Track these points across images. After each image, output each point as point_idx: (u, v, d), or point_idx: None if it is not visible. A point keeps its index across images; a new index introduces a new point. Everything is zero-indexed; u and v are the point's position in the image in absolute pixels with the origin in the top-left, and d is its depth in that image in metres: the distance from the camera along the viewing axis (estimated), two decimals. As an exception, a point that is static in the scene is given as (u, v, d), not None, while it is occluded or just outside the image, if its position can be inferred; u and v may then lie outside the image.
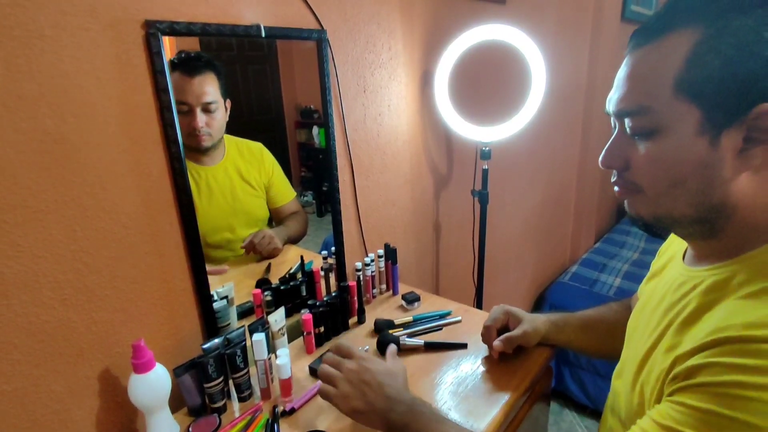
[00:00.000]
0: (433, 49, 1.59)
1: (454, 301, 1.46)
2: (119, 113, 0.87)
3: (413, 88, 1.55)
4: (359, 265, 1.36)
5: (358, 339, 1.27)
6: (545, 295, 2.81)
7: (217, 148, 1.17)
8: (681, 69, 0.55)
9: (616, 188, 0.68)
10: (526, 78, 1.48)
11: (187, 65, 1.02)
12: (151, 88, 0.91)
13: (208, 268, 1.12)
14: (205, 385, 0.99)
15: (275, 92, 1.27)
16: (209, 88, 1.07)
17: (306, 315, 1.19)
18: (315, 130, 1.38)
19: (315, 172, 1.45)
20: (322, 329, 1.25)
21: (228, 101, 1.14)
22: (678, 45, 0.55)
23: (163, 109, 0.92)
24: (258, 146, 1.27)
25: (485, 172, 1.61)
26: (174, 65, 0.98)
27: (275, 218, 1.41)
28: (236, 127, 1.18)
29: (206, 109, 1.07)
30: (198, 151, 1.12)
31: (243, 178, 1.24)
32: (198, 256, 1.04)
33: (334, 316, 1.28)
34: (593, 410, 2.48)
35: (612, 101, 0.64)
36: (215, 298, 1.18)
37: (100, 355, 0.92)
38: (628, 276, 2.89)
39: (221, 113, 1.12)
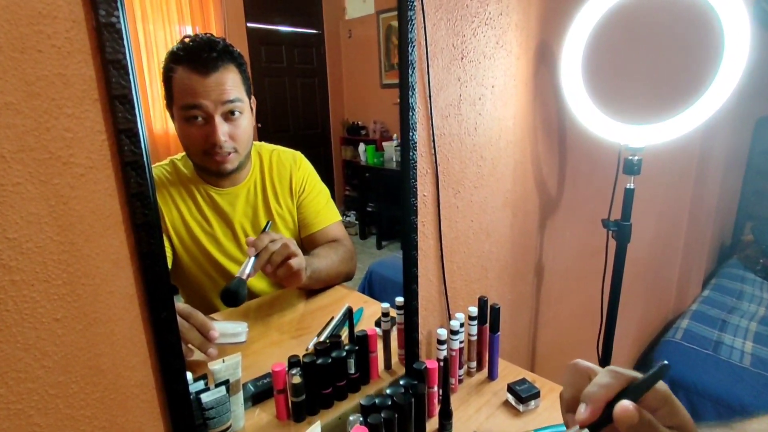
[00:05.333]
0: (557, 10, 1.08)
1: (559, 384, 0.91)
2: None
3: (526, 63, 1.04)
4: (443, 333, 0.84)
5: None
6: (652, 358, 2.18)
7: (243, 168, 0.89)
8: None
9: None
10: (710, 49, 0.94)
11: (197, 59, 0.76)
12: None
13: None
14: None
15: (323, 107, 1.21)
16: (231, 84, 0.80)
17: (359, 429, 0.68)
18: (361, 147, 1.30)
19: (360, 191, 1.36)
20: (381, 449, 0.73)
21: (253, 100, 0.87)
22: None
23: (102, 27, 0.45)
24: (291, 155, 1.00)
25: (629, 194, 1.07)
26: (178, 58, 0.76)
27: (308, 250, 1.00)
28: (280, 142, 1.02)
29: (229, 113, 0.79)
30: (218, 175, 0.86)
31: (267, 203, 0.95)
32: (168, 321, 0.55)
33: (403, 423, 0.76)
34: None
35: None
36: (206, 385, 0.70)
37: None
38: (761, 339, 2.22)
39: (247, 118, 0.84)
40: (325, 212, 1.06)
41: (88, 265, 0.49)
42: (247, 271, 0.81)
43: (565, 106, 1.16)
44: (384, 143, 1.41)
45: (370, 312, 1.01)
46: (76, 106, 0.45)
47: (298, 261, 0.86)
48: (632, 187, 1.06)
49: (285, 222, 1.01)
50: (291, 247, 0.85)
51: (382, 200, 1.48)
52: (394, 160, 1.41)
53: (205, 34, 0.83)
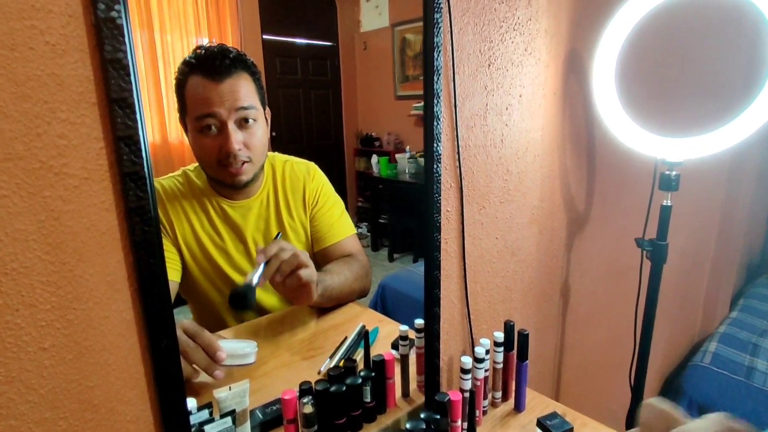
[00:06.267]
0: (588, 16, 1.02)
1: (591, 417, 0.84)
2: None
3: (555, 72, 0.99)
4: (467, 361, 0.77)
5: None
6: (679, 384, 2.06)
7: (256, 180, 0.87)
8: None
9: None
10: (758, 56, 0.87)
11: (210, 66, 0.75)
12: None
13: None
14: None
15: (336, 118, 1.23)
16: (244, 91, 0.78)
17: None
18: (374, 158, 1.30)
19: (373, 203, 1.35)
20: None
21: (268, 111, 0.85)
22: None
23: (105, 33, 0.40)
24: (305, 166, 0.98)
25: (666, 212, 0.99)
26: (191, 66, 0.75)
27: (321, 265, 0.96)
28: (293, 153, 1.02)
29: (243, 120, 0.77)
30: (233, 187, 0.84)
31: (279, 215, 0.93)
32: (169, 350, 0.49)
33: (424, 461, 0.69)
34: None
35: None
36: (211, 415, 0.65)
37: None
38: (797, 365, 2.09)
39: (262, 127, 0.82)
40: (339, 225, 1.01)
41: (81, 288, 0.43)
42: (256, 278, 0.76)
43: (596, 118, 1.10)
44: (397, 155, 1.37)
45: (385, 332, 0.95)
46: (71, 110, 0.41)
47: (309, 272, 0.80)
48: (669, 204, 0.99)
49: (297, 235, 0.97)
50: (301, 257, 0.79)
51: (394, 212, 1.43)
52: (407, 172, 1.37)
53: (218, 44, 0.80)
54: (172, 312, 0.48)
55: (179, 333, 0.63)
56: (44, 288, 0.42)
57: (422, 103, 1.36)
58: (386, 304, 1.18)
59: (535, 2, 0.89)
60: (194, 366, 0.70)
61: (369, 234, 1.38)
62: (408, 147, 1.33)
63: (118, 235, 0.45)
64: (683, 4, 0.90)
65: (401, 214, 1.43)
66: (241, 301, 0.75)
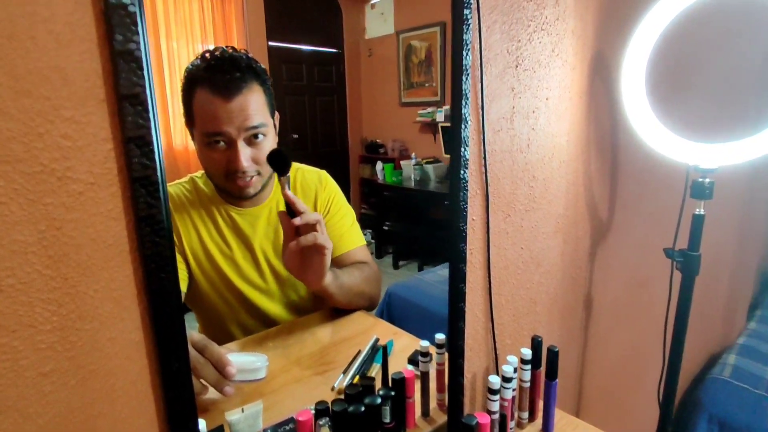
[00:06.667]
0: (615, 16, 0.98)
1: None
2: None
3: (581, 74, 0.94)
4: (495, 381, 0.72)
5: None
6: (698, 397, 1.99)
7: (265, 188, 0.85)
8: None
9: None
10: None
11: (220, 81, 0.72)
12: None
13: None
14: None
15: (341, 125, 1.22)
16: (255, 107, 0.75)
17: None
18: (379, 165, 1.29)
19: (377, 209, 1.34)
20: None
21: (277, 115, 0.83)
22: None
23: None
24: (316, 174, 0.97)
25: (698, 221, 0.94)
26: (200, 78, 0.72)
27: None
28: (298, 159, 0.99)
29: (252, 137, 0.75)
30: (240, 197, 0.83)
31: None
32: (181, 374, 0.45)
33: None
34: None
35: None
36: (222, 439, 0.60)
37: None
38: (821, 380, 2.02)
39: (271, 139, 0.80)
40: (350, 235, 0.98)
41: (85, 306, 0.39)
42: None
43: (621, 122, 1.05)
44: (402, 162, 1.34)
45: (400, 345, 0.90)
46: (77, 107, 0.36)
47: (324, 237, 0.75)
48: (702, 212, 0.94)
49: None
50: (321, 220, 0.75)
51: (399, 219, 1.40)
52: (412, 178, 1.34)
53: (227, 47, 0.77)
54: (184, 332, 0.43)
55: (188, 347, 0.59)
56: (44, 306, 0.37)
57: (428, 110, 1.34)
58: (393, 312, 1.14)
59: (563, 1, 0.85)
60: (202, 382, 0.66)
61: (373, 241, 1.37)
62: (413, 153, 1.31)
63: (127, 247, 0.40)
64: (719, 4, 0.86)
65: (406, 221, 1.40)
66: (281, 158, 0.70)
